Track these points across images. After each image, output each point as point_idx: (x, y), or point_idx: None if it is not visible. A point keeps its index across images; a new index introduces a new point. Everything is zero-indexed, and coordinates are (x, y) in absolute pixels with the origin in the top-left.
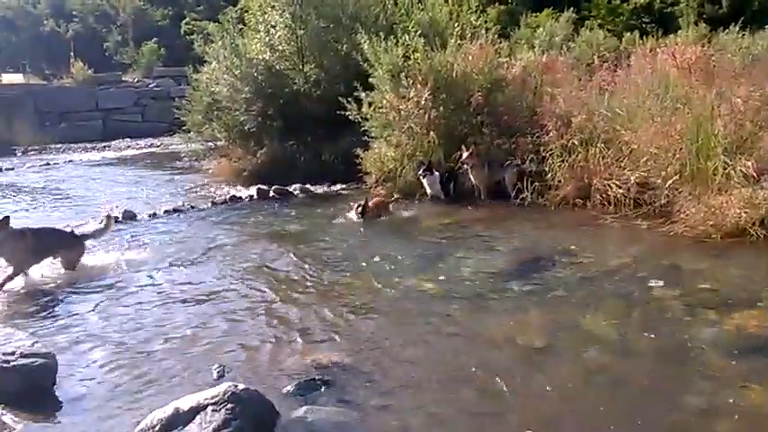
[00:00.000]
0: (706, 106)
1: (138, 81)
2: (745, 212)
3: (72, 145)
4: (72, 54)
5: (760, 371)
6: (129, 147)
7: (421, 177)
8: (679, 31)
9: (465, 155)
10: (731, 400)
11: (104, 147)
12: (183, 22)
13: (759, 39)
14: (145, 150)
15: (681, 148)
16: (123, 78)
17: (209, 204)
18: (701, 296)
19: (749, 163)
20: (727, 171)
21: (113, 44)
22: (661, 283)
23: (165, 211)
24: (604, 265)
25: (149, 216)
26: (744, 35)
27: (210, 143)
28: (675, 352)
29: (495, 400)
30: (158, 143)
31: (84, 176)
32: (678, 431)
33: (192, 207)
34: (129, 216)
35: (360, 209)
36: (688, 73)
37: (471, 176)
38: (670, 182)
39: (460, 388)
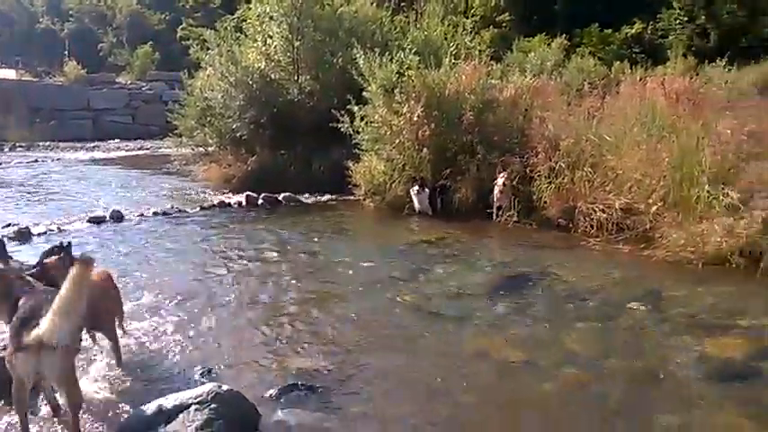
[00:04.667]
0: (692, 136)
1: (131, 83)
2: (726, 241)
3: (61, 143)
4: (66, 53)
5: (733, 395)
6: (118, 148)
7: (413, 193)
8: (668, 63)
9: (501, 179)
10: (702, 422)
11: (94, 147)
12: (180, 27)
13: (744, 74)
14: (134, 152)
15: (665, 176)
16: (116, 80)
17: (198, 209)
18: (678, 321)
19: (732, 193)
20: (710, 200)
21: (108, 45)
22: (640, 306)
23: (154, 213)
24: (585, 287)
25: (137, 217)
26: (730, 69)
27: (201, 148)
28: (651, 373)
29: (471, 412)
30: (148, 146)
31: (72, 175)
32: None
33: (180, 211)
34: (117, 216)
35: None
36: (675, 103)
37: (497, 197)
38: (654, 208)
39: (438, 400)
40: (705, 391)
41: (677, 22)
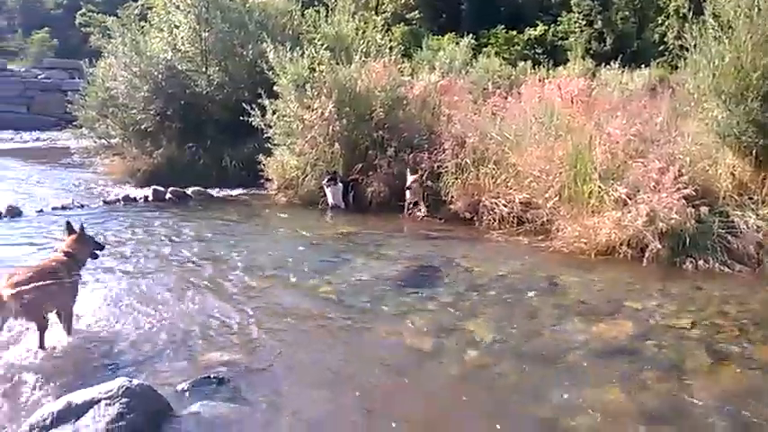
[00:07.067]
0: (585, 135)
1: (25, 71)
2: (615, 233)
3: None
4: None
5: (616, 373)
6: (12, 140)
7: (325, 187)
8: (568, 64)
9: (410, 179)
10: (590, 397)
11: None
12: (79, 13)
13: (636, 76)
14: (31, 144)
15: (561, 173)
16: (9, 67)
17: (101, 203)
18: (570, 306)
19: (620, 188)
20: (600, 195)
21: None
22: (537, 293)
23: (53, 208)
24: (488, 276)
25: (37, 212)
26: (623, 72)
27: (104, 140)
28: (546, 354)
29: (382, 398)
30: (45, 137)
31: None
32: (542, 424)
33: (82, 205)
34: (14, 212)
35: None
36: (570, 104)
37: (409, 195)
38: (551, 203)
39: (350, 387)
40: (592, 369)
41: (576, 25)
